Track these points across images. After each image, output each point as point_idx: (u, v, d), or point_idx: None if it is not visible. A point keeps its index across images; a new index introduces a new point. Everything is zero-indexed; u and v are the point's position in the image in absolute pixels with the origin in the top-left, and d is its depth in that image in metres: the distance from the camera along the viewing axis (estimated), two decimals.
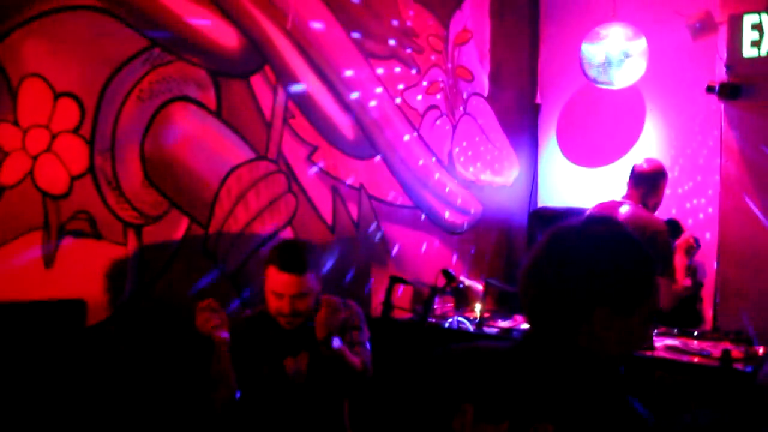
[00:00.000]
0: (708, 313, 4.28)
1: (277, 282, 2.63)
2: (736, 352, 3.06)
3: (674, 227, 4.02)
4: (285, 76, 3.51)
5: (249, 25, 3.35)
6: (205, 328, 2.56)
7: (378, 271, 4.00)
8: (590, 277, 1.33)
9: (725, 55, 4.21)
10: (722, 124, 4.33)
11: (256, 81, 3.39)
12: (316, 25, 3.65)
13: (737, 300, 4.18)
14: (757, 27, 4.07)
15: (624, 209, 3.84)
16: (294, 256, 2.65)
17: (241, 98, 3.33)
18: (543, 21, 5.18)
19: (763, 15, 4.05)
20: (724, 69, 4.22)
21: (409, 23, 4.21)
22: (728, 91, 4.17)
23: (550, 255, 1.37)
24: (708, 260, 4.31)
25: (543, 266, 1.38)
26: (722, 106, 4.29)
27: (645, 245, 1.38)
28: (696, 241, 3.93)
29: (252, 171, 3.38)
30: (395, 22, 4.12)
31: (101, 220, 2.81)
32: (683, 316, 3.84)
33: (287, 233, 3.53)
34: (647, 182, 3.91)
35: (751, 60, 4.10)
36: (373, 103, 3.99)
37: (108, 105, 2.83)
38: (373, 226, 4.01)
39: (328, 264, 3.68)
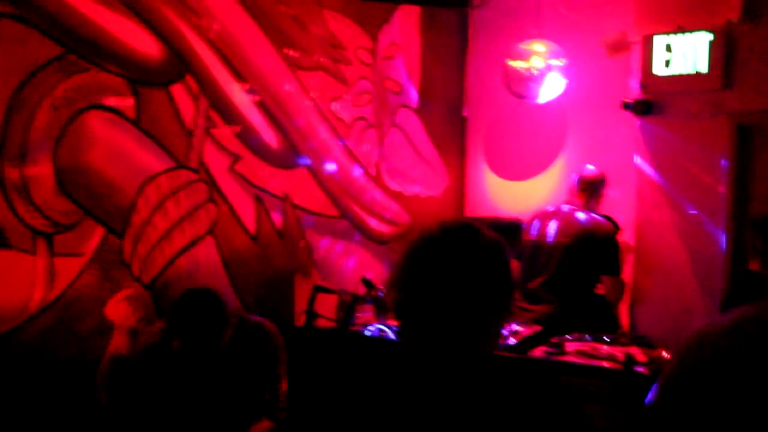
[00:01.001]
0: (624, 318, 4.43)
1: None
2: (642, 356, 3.19)
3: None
4: (207, 85, 3.52)
5: (170, 33, 3.36)
6: (129, 321, 2.51)
7: (302, 280, 4.03)
8: (479, 290, 1.32)
9: (639, 73, 4.39)
10: (637, 138, 4.51)
11: (177, 90, 3.40)
12: (241, 35, 3.68)
13: (650, 306, 4.35)
14: (668, 47, 4.26)
15: (580, 215, 4.04)
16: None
17: (160, 107, 3.33)
18: (471, 36, 5.31)
19: (673, 36, 4.24)
20: (639, 86, 4.40)
21: (336, 35, 4.28)
22: (642, 108, 4.35)
23: (432, 271, 1.32)
24: (626, 268, 4.47)
25: (425, 284, 1.32)
26: (637, 121, 4.47)
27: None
28: None
29: (171, 180, 3.38)
30: (322, 34, 4.18)
31: (9, 228, 2.77)
32: (601, 321, 3.99)
33: (208, 242, 3.53)
34: (591, 188, 4.14)
35: (663, 78, 4.29)
36: (298, 114, 4.03)
37: (18, 113, 2.80)
38: (298, 235, 4.04)
39: (251, 273, 3.70)
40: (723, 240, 4.24)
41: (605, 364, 3.21)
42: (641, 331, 3.96)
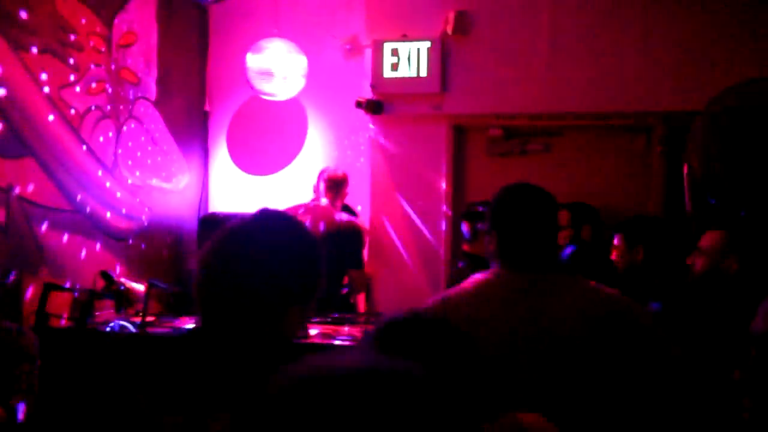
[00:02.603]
0: (361, 304, 4.76)
1: None
2: None
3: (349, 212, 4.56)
4: None
5: None
6: None
7: (31, 278, 3.73)
8: (287, 277, 1.33)
9: (370, 74, 4.75)
10: (369, 134, 4.88)
11: None
12: None
13: (385, 289, 4.74)
14: (395, 53, 4.68)
15: (334, 212, 4.25)
16: None
17: None
18: (212, 30, 5.32)
19: (400, 43, 4.67)
20: (370, 87, 4.77)
21: (66, 18, 4.02)
22: (373, 107, 4.73)
23: (240, 255, 1.32)
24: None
25: (231, 267, 1.32)
26: (369, 119, 4.84)
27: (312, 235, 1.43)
28: None
29: None
30: (50, 16, 3.90)
31: None
32: (343, 308, 4.26)
33: None
34: (337, 187, 4.34)
35: (391, 80, 4.70)
36: (23, 99, 3.72)
37: None
38: (25, 230, 3.73)
39: None
40: (443, 228, 4.76)
41: (341, 343, 3.46)
42: (378, 310, 4.31)
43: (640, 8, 4.43)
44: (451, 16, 4.59)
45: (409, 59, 4.67)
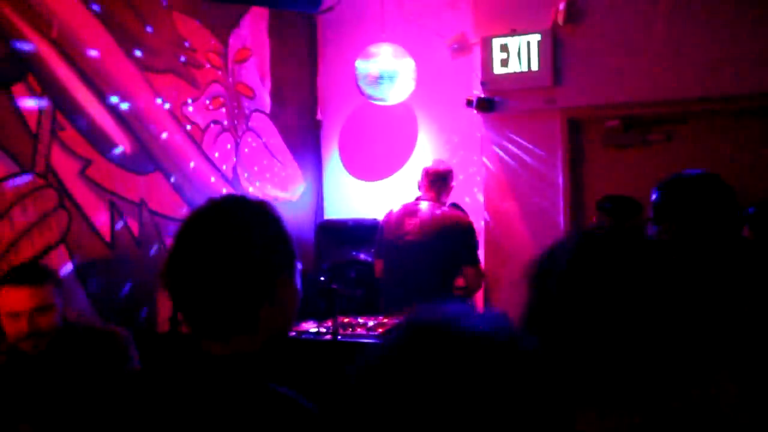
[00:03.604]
0: (479, 305, 4.69)
1: (11, 299, 2.34)
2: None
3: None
4: (51, 87, 3.35)
5: (8, 32, 3.17)
6: None
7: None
8: (268, 244, 1.27)
9: (480, 72, 4.69)
10: (481, 133, 4.81)
11: (19, 90, 3.21)
12: (85, 36, 3.53)
13: (503, 291, 4.64)
14: (505, 48, 4.60)
15: (437, 209, 4.03)
16: (28, 267, 2.49)
17: (0, 109, 3.13)
18: (321, 40, 5.42)
19: (509, 38, 4.58)
20: (480, 85, 4.70)
21: (186, 38, 4.21)
22: (484, 105, 4.65)
23: (218, 239, 1.24)
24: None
25: (214, 250, 1.23)
26: (480, 117, 4.77)
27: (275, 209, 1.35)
28: None
29: (16, 186, 3.18)
30: (172, 37, 4.10)
31: None
32: None
33: (60, 251, 3.35)
34: (441, 181, 4.13)
35: (501, 76, 4.61)
36: (150, 116, 3.92)
37: None
38: (156, 242, 3.92)
39: (107, 282, 3.54)
40: (561, 224, 4.62)
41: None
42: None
43: None
44: (562, 5, 4.46)
45: (519, 54, 4.57)
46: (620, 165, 4.58)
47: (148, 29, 3.92)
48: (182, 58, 4.16)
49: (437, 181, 4.16)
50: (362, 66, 4.87)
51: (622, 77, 4.43)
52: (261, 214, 1.31)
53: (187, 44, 4.21)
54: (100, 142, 3.60)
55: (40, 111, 3.30)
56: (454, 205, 4.36)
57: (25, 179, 3.22)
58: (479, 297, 4.66)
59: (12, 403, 2.38)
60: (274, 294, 1.26)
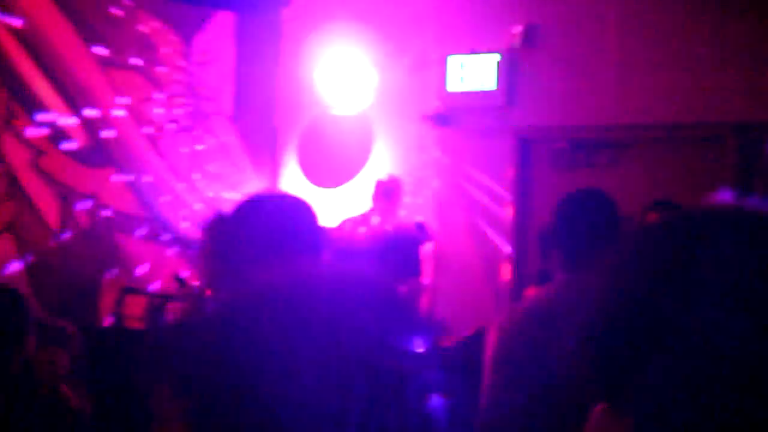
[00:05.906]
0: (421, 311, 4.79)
1: None
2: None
3: (422, 229, 4.53)
4: (6, 75, 3.37)
5: None
6: None
7: (110, 281, 3.93)
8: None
9: (437, 89, 4.81)
10: (435, 148, 4.93)
11: None
12: (47, 25, 3.56)
13: (447, 300, 4.75)
14: (461, 67, 4.73)
15: (387, 222, 4.20)
16: None
17: None
18: (284, 47, 5.49)
19: (465, 57, 4.72)
20: (437, 101, 4.82)
21: (149, 36, 4.25)
22: (439, 120, 4.78)
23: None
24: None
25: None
26: (436, 132, 4.89)
27: None
28: None
29: None
30: (134, 34, 4.14)
31: None
32: None
33: (5, 241, 3.36)
34: (389, 193, 4.32)
35: (456, 94, 4.74)
36: (108, 112, 3.95)
37: None
38: (107, 236, 3.94)
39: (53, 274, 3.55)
40: (509, 240, 4.75)
41: None
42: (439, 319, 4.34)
43: (710, 18, 4.34)
44: (519, 28, 4.62)
45: (476, 73, 4.70)
46: (567, 186, 4.73)
47: (111, 25, 3.96)
48: (144, 57, 4.20)
49: (390, 195, 4.33)
50: (322, 74, 4.96)
51: (572, 101, 4.60)
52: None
53: (149, 43, 4.25)
54: (55, 135, 3.63)
55: None
56: (417, 223, 4.48)
57: None
58: (422, 308, 4.75)
59: None
60: None
